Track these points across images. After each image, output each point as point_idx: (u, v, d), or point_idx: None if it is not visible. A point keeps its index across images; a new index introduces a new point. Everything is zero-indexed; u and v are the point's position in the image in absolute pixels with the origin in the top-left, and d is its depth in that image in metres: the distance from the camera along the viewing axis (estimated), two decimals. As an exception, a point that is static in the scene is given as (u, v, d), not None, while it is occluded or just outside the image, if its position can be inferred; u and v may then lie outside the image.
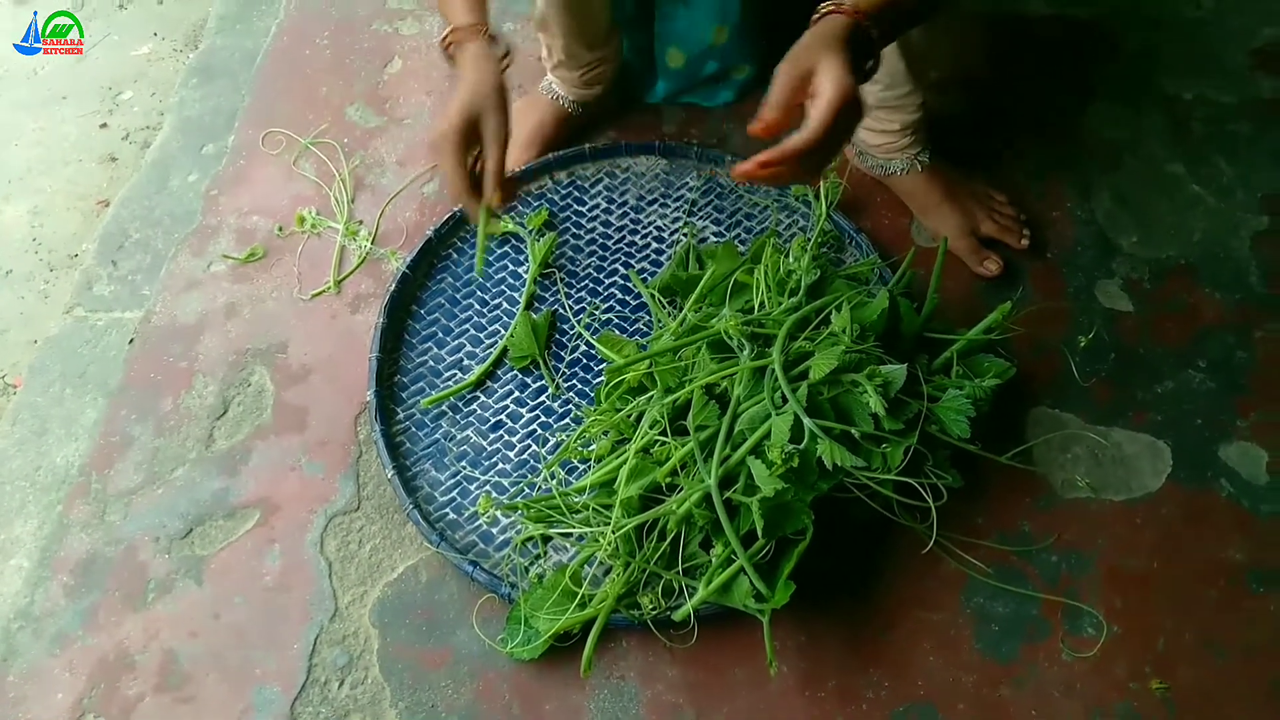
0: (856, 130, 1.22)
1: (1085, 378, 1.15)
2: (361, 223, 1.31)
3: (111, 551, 1.05)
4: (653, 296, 1.16)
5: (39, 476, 1.14)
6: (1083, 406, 1.14)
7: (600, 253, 1.25)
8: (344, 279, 1.26)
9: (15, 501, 1.12)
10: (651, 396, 1.01)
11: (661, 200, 1.29)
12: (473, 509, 1.05)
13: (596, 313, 1.19)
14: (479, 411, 1.12)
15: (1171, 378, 1.17)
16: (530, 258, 1.22)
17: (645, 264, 1.24)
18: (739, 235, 1.26)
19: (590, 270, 1.23)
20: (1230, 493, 1.08)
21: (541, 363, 1.14)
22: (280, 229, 1.30)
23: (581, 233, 1.27)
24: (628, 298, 1.21)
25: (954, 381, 1.02)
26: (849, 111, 0.78)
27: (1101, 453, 1.11)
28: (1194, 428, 1.13)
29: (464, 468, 1.08)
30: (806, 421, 0.89)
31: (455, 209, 1.25)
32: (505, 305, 1.20)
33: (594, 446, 1.03)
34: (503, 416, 1.12)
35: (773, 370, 0.94)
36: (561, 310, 1.20)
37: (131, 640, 0.99)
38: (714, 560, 0.92)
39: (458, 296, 1.21)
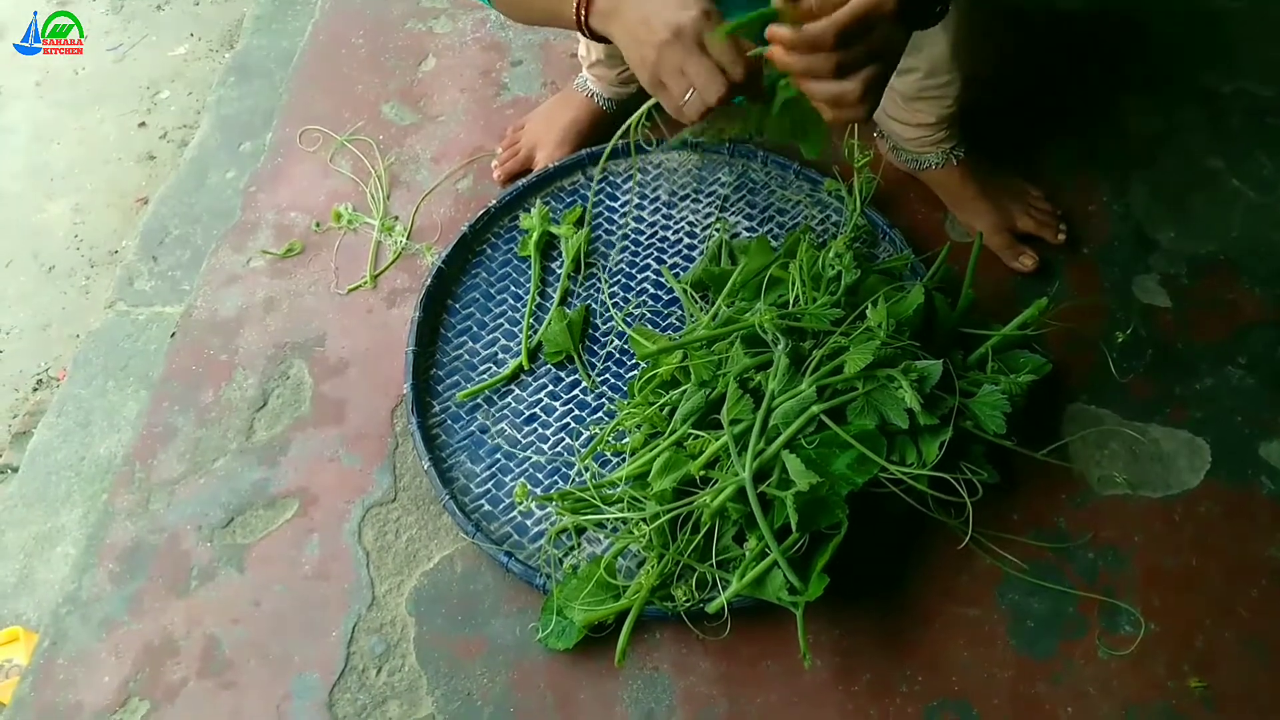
0: (890, 124, 1.23)
1: (1123, 374, 1.14)
2: (397, 218, 1.32)
3: (155, 539, 1.07)
4: (685, 291, 1.17)
5: (84, 467, 1.16)
6: (1120, 403, 1.13)
7: (633, 248, 1.26)
8: (380, 274, 1.27)
9: (61, 491, 1.15)
10: (685, 390, 1.01)
11: (694, 196, 1.30)
12: (507, 500, 1.06)
13: (630, 308, 1.20)
14: (513, 405, 1.13)
15: (1211, 374, 1.15)
16: (564, 253, 1.23)
17: (678, 259, 1.24)
18: (771, 231, 1.26)
19: (623, 266, 1.24)
20: (1271, 490, 1.07)
21: (576, 357, 1.15)
22: (317, 225, 1.32)
23: (614, 228, 1.28)
24: (660, 293, 1.21)
25: (989, 377, 1.02)
26: (882, 27, 0.70)
27: (1139, 449, 1.10)
28: (1234, 425, 1.11)
29: (499, 460, 1.09)
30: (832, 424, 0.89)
31: (490, 204, 1.27)
32: (539, 300, 1.21)
33: (627, 439, 1.04)
34: (537, 410, 1.13)
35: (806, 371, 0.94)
36: (595, 306, 1.20)
37: (175, 626, 1.02)
38: (748, 553, 0.92)
39: (492, 291, 1.22)
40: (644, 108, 0.90)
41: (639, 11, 0.82)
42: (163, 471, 1.12)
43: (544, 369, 1.16)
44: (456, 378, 1.15)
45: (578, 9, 0.86)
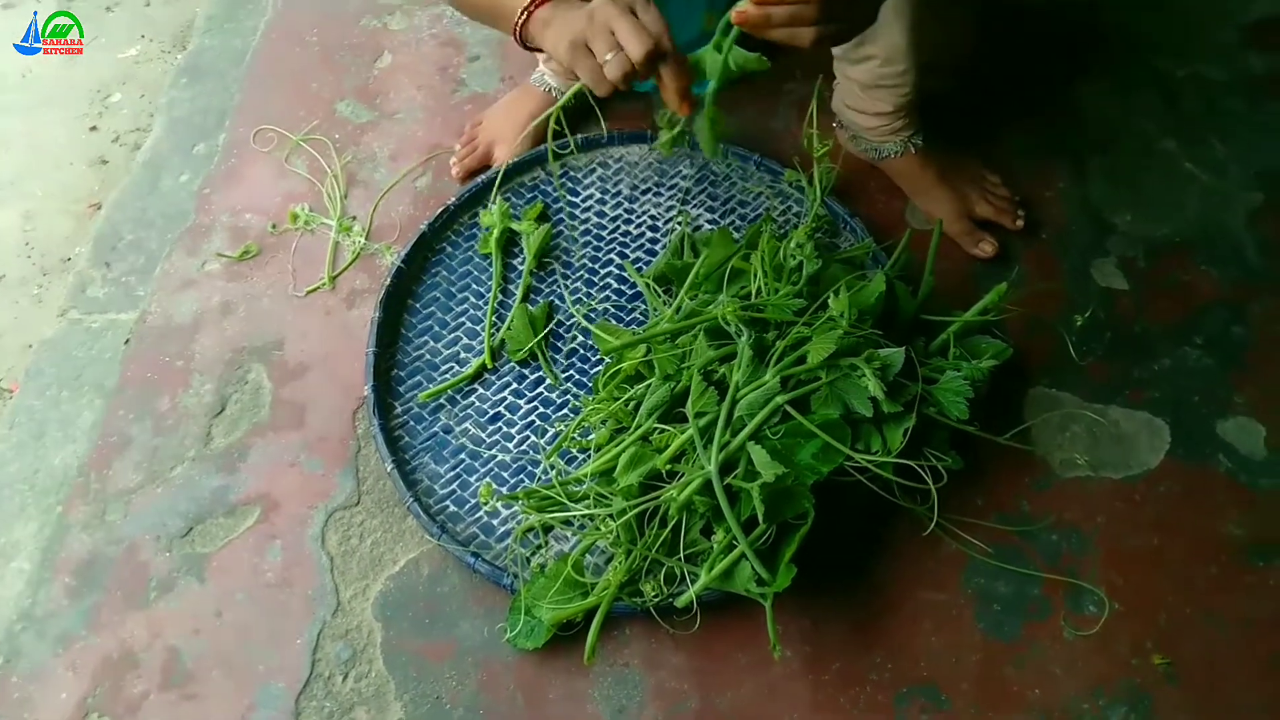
0: (849, 113, 1.23)
1: (1082, 357, 1.15)
2: (355, 218, 1.31)
3: (112, 551, 1.05)
4: (648, 285, 1.16)
5: (38, 479, 1.13)
6: (1080, 385, 1.14)
7: (595, 243, 1.25)
8: (338, 275, 1.25)
9: (15, 505, 1.12)
10: (649, 385, 1.01)
11: (655, 189, 1.29)
12: (473, 501, 1.05)
13: (593, 303, 1.19)
14: (477, 404, 1.12)
15: (1168, 355, 1.17)
16: (525, 250, 1.22)
17: (640, 253, 1.24)
18: (733, 222, 1.26)
19: (585, 261, 1.23)
20: (1229, 468, 1.08)
21: (539, 354, 1.14)
22: (274, 226, 1.30)
23: (576, 223, 1.27)
24: (623, 287, 1.21)
25: (951, 363, 1.02)
26: None
27: (1099, 431, 1.11)
28: (1191, 404, 1.13)
29: (463, 460, 1.08)
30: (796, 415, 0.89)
31: (449, 202, 1.25)
32: (501, 298, 1.20)
33: (593, 436, 1.03)
34: (501, 408, 1.12)
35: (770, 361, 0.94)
36: (558, 302, 1.20)
37: (135, 639, 0.99)
38: (715, 546, 0.92)
39: (453, 290, 1.21)
40: (570, 92, 0.95)
41: (571, 11, 0.87)
42: (119, 482, 1.10)
43: (508, 367, 1.15)
44: (419, 378, 1.14)
45: (518, 16, 0.92)
